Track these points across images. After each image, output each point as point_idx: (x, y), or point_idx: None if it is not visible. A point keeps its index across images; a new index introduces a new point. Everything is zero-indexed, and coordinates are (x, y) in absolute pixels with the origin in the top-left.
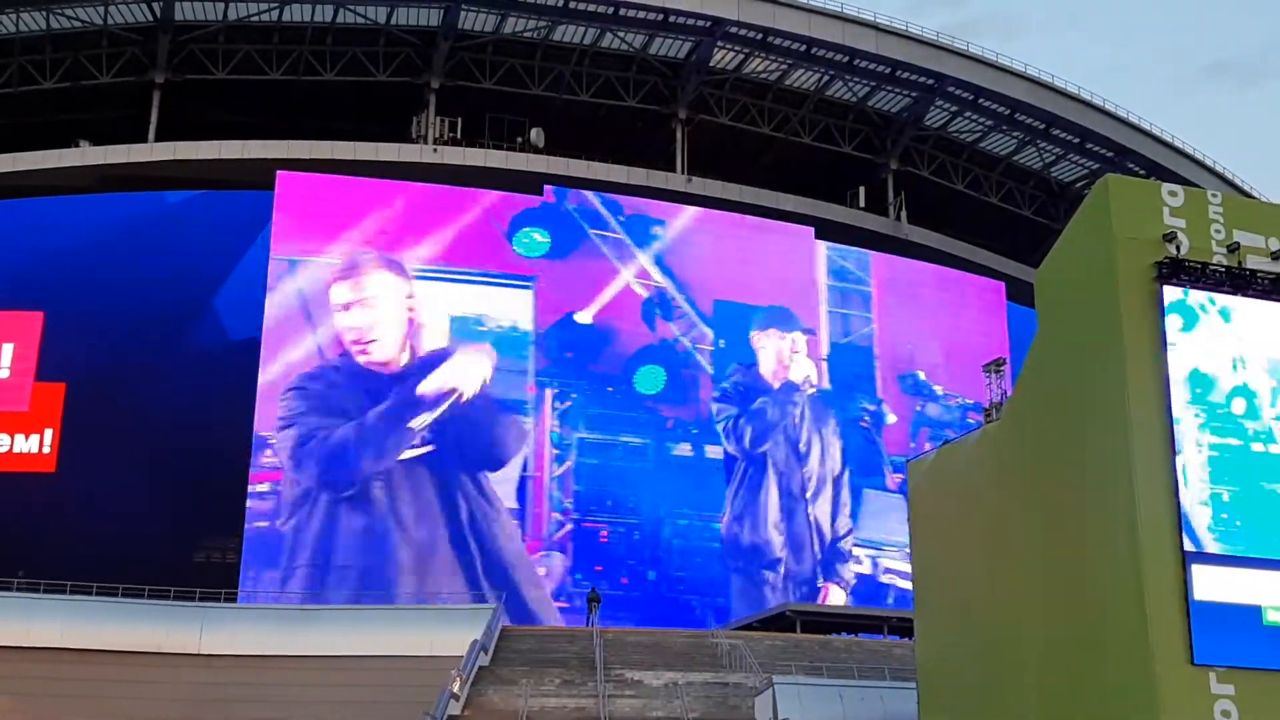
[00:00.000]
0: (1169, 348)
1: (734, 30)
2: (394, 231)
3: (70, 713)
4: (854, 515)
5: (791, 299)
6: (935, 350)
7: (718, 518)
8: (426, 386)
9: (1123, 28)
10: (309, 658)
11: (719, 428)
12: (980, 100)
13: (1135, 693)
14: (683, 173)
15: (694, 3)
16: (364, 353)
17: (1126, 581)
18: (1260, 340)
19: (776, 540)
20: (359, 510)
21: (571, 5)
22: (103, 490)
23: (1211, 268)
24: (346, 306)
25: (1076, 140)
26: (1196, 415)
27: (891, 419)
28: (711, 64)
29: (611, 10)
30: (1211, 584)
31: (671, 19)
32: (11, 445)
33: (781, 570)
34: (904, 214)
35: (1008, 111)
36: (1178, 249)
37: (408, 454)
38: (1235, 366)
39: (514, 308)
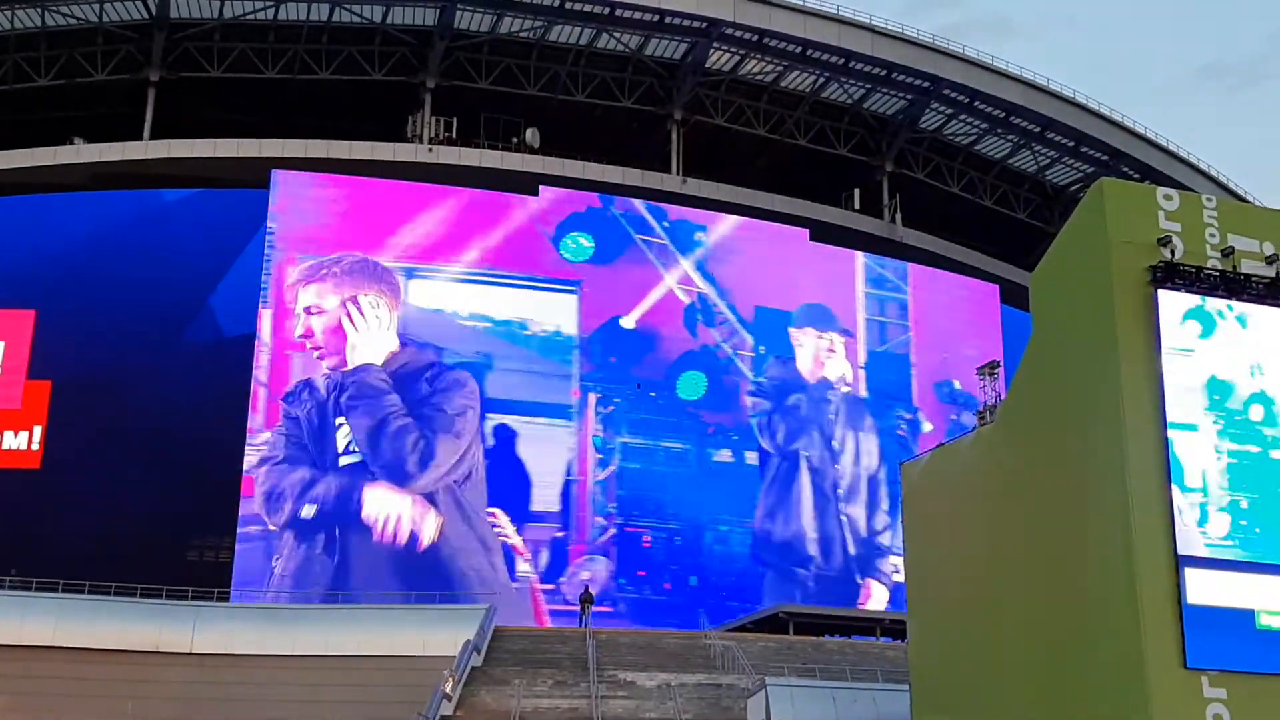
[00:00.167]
0: (1186, 354)
1: (729, 32)
2: (440, 235)
3: (62, 711)
4: (892, 513)
5: (830, 301)
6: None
7: (754, 521)
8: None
9: (1116, 31)
10: (301, 657)
11: (753, 423)
12: (975, 103)
13: (1128, 696)
14: (678, 174)
15: (690, 4)
16: (323, 357)
17: (1120, 585)
18: (1278, 346)
19: (810, 536)
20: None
21: (567, 6)
22: (96, 488)
23: (1206, 272)
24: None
25: (1071, 144)
26: (1215, 422)
27: (928, 427)
28: (707, 65)
29: (607, 11)
30: (1204, 588)
31: (667, 20)
32: (0, 442)
33: (813, 568)
34: (899, 216)
35: (1003, 114)
36: (1172, 253)
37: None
38: (1253, 373)
39: (558, 312)
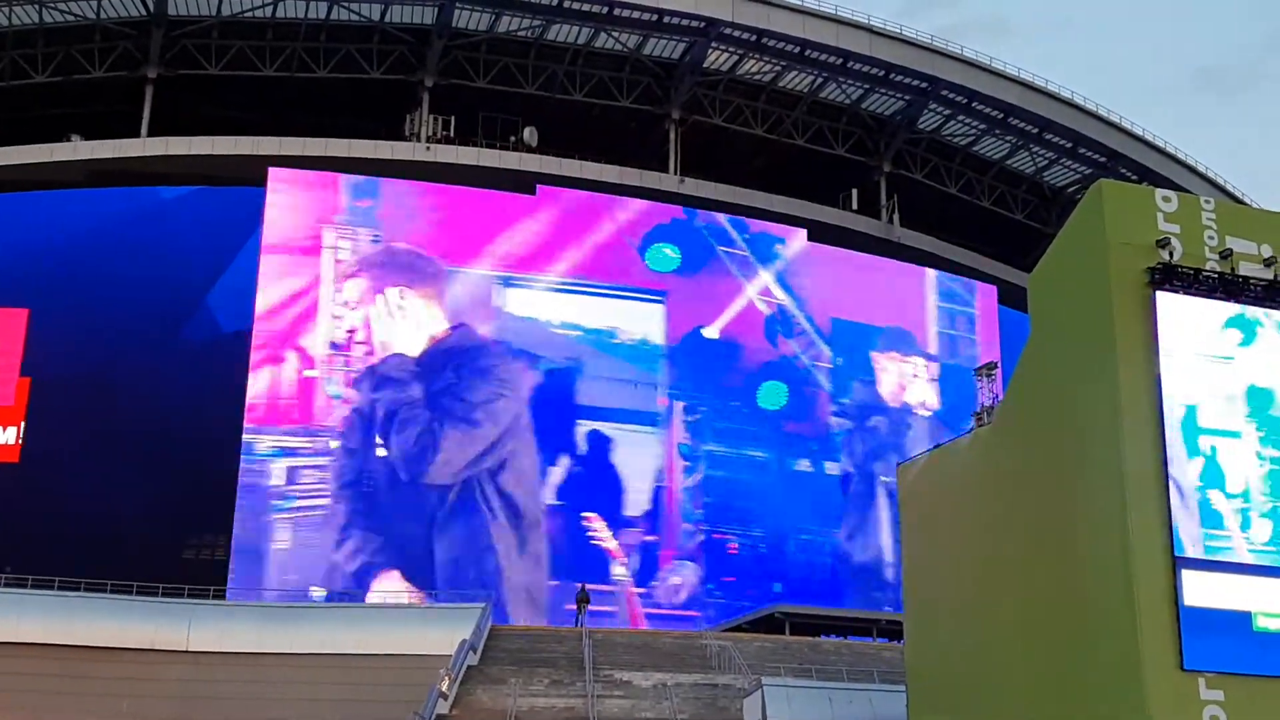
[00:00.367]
0: (1226, 361)
1: (728, 31)
2: (534, 245)
3: (58, 710)
4: None
5: (907, 321)
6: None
7: (836, 533)
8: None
9: (1113, 33)
10: (297, 655)
11: (837, 440)
12: (974, 104)
13: (1125, 697)
14: (675, 173)
15: (688, 3)
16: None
17: (1117, 586)
18: None
19: (888, 560)
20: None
21: (566, 5)
22: (93, 487)
23: (1204, 274)
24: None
25: (1069, 145)
26: (1258, 429)
27: None
28: (705, 65)
29: (605, 10)
30: (1202, 589)
31: (665, 19)
32: None
33: (890, 592)
34: (896, 217)
35: (1001, 116)
36: (1171, 255)
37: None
38: None
39: (646, 321)
